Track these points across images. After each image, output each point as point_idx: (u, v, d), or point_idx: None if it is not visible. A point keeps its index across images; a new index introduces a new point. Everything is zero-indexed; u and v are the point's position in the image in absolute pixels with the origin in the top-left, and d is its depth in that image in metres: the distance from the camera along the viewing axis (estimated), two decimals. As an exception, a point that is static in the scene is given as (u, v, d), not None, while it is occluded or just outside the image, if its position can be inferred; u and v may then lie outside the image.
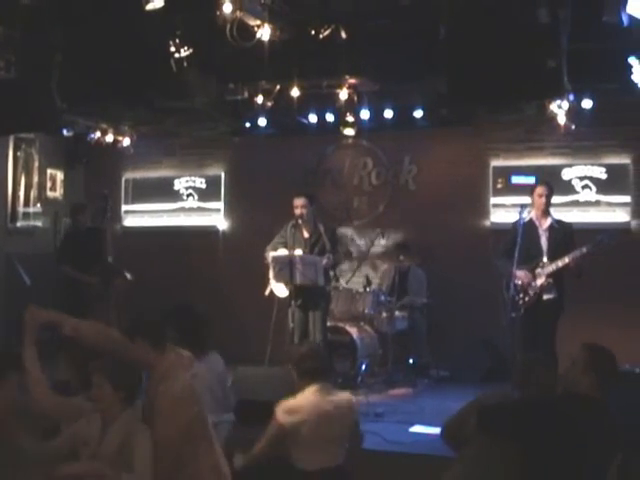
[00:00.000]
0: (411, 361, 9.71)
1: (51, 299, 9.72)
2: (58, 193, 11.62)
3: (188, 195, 11.78)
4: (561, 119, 8.99)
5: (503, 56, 6.56)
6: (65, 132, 10.45)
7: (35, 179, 11.09)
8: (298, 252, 8.21)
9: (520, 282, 7.37)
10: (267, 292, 8.31)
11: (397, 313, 9.58)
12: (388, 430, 6.92)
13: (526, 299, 7.36)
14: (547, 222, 7.53)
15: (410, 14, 7.15)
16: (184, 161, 11.86)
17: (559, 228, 7.54)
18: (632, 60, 7.11)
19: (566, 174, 9.91)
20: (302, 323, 8.30)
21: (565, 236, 7.50)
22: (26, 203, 10.94)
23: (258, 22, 6.84)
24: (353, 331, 9.32)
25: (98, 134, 10.99)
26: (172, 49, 7.56)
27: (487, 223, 10.34)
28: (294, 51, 7.75)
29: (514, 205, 9.23)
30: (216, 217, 11.65)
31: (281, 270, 8.13)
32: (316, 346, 5.73)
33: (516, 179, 10.10)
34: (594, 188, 9.86)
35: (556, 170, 9.84)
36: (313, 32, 7.45)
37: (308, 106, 9.76)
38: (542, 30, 6.50)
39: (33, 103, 7.25)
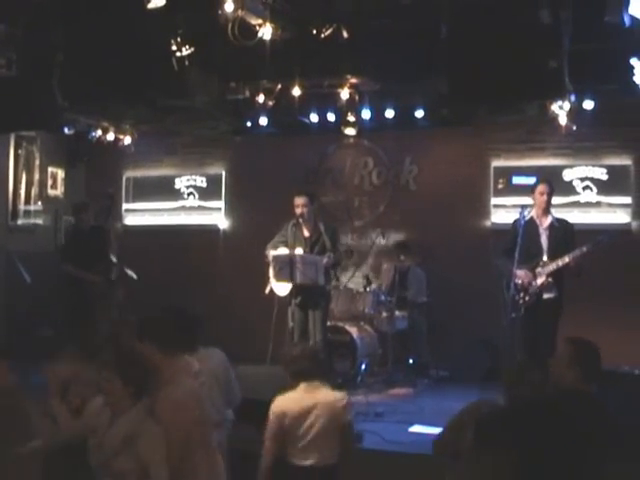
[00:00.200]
0: (411, 361, 9.71)
1: (51, 297, 9.77)
2: (59, 191, 11.62)
3: (189, 194, 11.78)
4: (562, 120, 8.98)
5: (504, 56, 6.57)
6: (66, 130, 10.45)
7: (36, 177, 11.10)
8: (299, 251, 8.21)
9: (520, 281, 7.36)
10: (267, 291, 8.31)
11: (397, 313, 9.58)
12: (388, 430, 6.92)
13: (526, 298, 7.36)
14: (547, 221, 7.51)
15: (411, 14, 7.15)
16: (185, 160, 11.86)
17: (559, 227, 7.53)
18: (634, 61, 7.10)
19: (567, 175, 9.91)
20: (302, 322, 8.29)
21: (566, 235, 7.49)
22: (27, 201, 10.94)
23: (260, 21, 6.84)
24: (353, 331, 9.33)
25: (99, 132, 10.99)
26: (173, 48, 7.57)
27: (488, 223, 10.34)
28: (295, 50, 7.75)
29: (515, 206, 9.24)
30: (217, 216, 11.65)
31: (281, 269, 8.13)
32: (308, 348, 5.71)
33: (517, 179, 10.10)
34: (595, 189, 9.85)
35: (557, 171, 9.84)
36: (314, 31, 7.45)
37: (309, 105, 9.76)
38: (544, 31, 6.51)
39: (34, 101, 7.27)
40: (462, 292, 9.77)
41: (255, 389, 6.63)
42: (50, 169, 11.43)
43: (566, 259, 7.22)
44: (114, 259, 9.07)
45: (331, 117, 10.18)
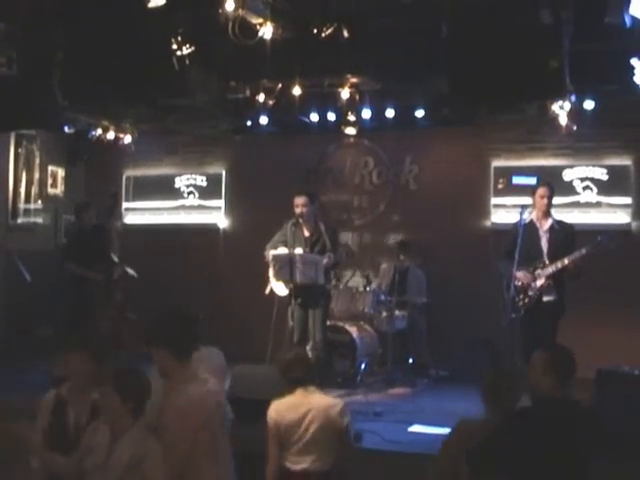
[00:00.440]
0: (410, 361, 9.71)
1: (51, 296, 9.77)
2: (59, 190, 11.62)
3: (189, 193, 11.78)
4: (562, 120, 8.97)
5: (505, 56, 6.57)
6: (66, 129, 10.44)
7: (36, 176, 11.09)
8: (298, 251, 8.20)
9: (520, 283, 7.36)
10: (267, 291, 8.30)
11: (397, 312, 9.58)
12: (387, 429, 6.91)
13: (526, 300, 7.36)
14: (548, 223, 7.52)
15: (412, 13, 7.15)
16: (185, 159, 11.87)
17: (560, 229, 7.53)
18: (634, 61, 7.10)
19: (567, 175, 9.91)
20: (302, 322, 8.29)
21: (566, 237, 7.49)
22: (27, 200, 10.93)
23: (260, 20, 6.84)
24: (353, 330, 9.33)
25: (99, 131, 10.99)
26: (174, 47, 7.57)
27: (488, 223, 10.34)
28: (296, 50, 7.75)
29: (515, 206, 9.24)
30: (217, 215, 11.65)
31: (281, 269, 8.12)
32: (302, 353, 5.72)
33: (517, 179, 10.10)
34: (595, 189, 9.85)
35: (557, 171, 9.84)
36: (315, 31, 7.44)
37: (309, 105, 9.75)
38: (544, 31, 6.51)
39: (35, 100, 7.26)
40: (462, 292, 9.77)
41: (254, 389, 6.63)
42: (50, 168, 11.42)
43: (565, 261, 7.22)
44: (115, 259, 9.06)
45: (331, 116, 10.17)
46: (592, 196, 9.86)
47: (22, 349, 9.16)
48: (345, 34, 7.46)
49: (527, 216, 7.56)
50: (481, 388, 4.40)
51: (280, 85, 8.97)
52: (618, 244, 7.35)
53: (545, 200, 7.52)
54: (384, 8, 7.25)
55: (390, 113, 10.01)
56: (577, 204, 9.76)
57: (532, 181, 9.72)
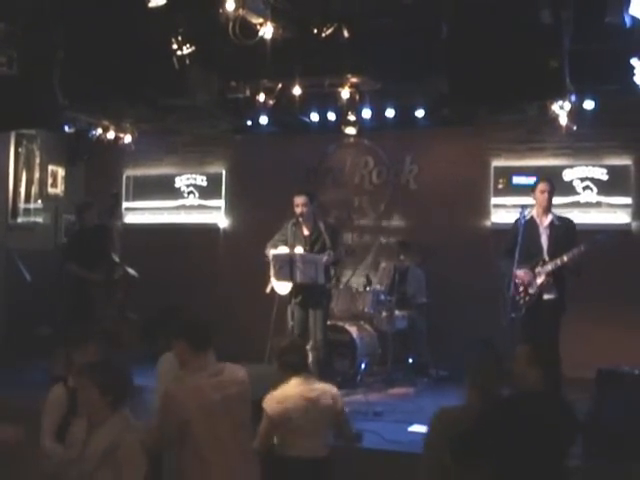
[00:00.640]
0: (410, 360, 9.72)
1: (51, 295, 9.78)
2: (59, 190, 11.62)
3: (189, 193, 11.79)
4: (563, 120, 8.98)
5: (505, 56, 6.56)
6: (67, 129, 10.45)
7: (36, 175, 11.10)
8: (298, 250, 8.21)
9: (520, 281, 7.35)
10: (268, 290, 8.31)
11: (397, 312, 9.59)
12: (387, 429, 6.92)
13: (527, 299, 7.35)
14: (548, 220, 7.49)
15: (412, 13, 7.14)
16: (185, 159, 11.87)
17: (560, 225, 7.50)
18: (634, 61, 7.10)
19: (567, 175, 9.91)
20: (302, 321, 8.29)
21: (567, 232, 7.45)
22: (27, 199, 10.94)
23: (260, 20, 6.84)
24: (353, 330, 9.33)
25: (99, 131, 11.00)
26: (174, 46, 7.56)
27: (488, 223, 10.34)
28: (296, 49, 7.75)
29: (515, 205, 9.25)
30: (217, 215, 11.65)
31: (281, 268, 8.12)
32: (297, 340, 5.85)
33: (517, 179, 10.11)
34: (595, 189, 9.86)
35: (557, 171, 9.84)
36: (315, 31, 7.44)
37: (310, 105, 9.76)
38: (544, 31, 6.50)
39: (35, 99, 7.25)
40: (462, 292, 9.77)
41: (254, 389, 6.63)
42: (50, 167, 11.42)
43: (564, 258, 7.21)
44: (116, 259, 9.07)
45: (331, 116, 10.18)
46: (592, 196, 9.86)
47: (22, 348, 9.17)
48: (345, 34, 7.46)
49: (527, 214, 7.55)
50: (468, 372, 4.43)
51: (280, 85, 8.98)
52: (614, 243, 7.34)
53: (546, 195, 7.50)
54: (384, 8, 7.25)
55: (390, 113, 10.02)
56: (577, 204, 9.76)
57: (532, 181, 9.69)
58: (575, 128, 9.14)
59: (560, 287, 7.35)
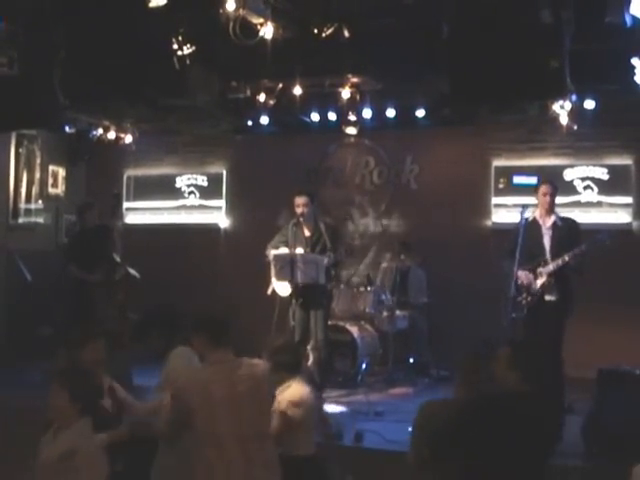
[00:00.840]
0: (411, 360, 9.72)
1: (52, 296, 9.78)
2: (60, 190, 11.62)
3: (190, 193, 11.79)
4: (563, 119, 8.98)
5: (506, 56, 6.55)
6: (67, 129, 10.45)
7: (37, 176, 11.10)
8: (299, 251, 8.21)
9: (521, 282, 7.34)
10: (269, 291, 8.30)
11: (398, 312, 9.59)
12: (388, 429, 6.92)
13: (529, 299, 7.33)
14: (550, 220, 7.48)
15: (413, 13, 7.14)
16: (186, 159, 11.87)
17: (563, 226, 7.48)
18: (635, 61, 7.09)
19: (568, 175, 9.91)
20: (303, 322, 8.29)
21: (570, 233, 7.43)
22: (28, 200, 10.94)
23: (261, 20, 6.84)
24: (354, 330, 9.33)
25: (100, 131, 11.01)
26: (175, 47, 7.57)
27: (488, 223, 10.34)
28: (297, 49, 7.74)
29: (515, 205, 9.25)
30: (217, 215, 11.66)
31: (282, 268, 8.12)
32: (291, 340, 5.88)
33: (518, 179, 10.11)
34: (596, 189, 9.86)
35: (558, 170, 9.84)
36: (316, 31, 7.44)
37: (310, 105, 9.76)
38: (545, 30, 6.50)
39: (36, 100, 7.25)
40: (463, 292, 9.77)
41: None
42: (51, 168, 11.43)
43: (566, 258, 7.20)
44: (118, 259, 9.07)
45: (332, 116, 10.18)
46: (593, 196, 9.86)
47: (23, 349, 9.17)
48: (346, 34, 7.46)
49: (530, 215, 7.54)
50: (458, 368, 4.44)
51: (281, 85, 8.98)
52: (615, 242, 7.33)
53: (548, 198, 7.49)
54: (385, 8, 7.25)
55: (391, 113, 10.02)
56: (578, 204, 9.76)
57: (533, 181, 9.70)
58: (576, 128, 9.15)
59: (563, 289, 7.31)
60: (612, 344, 8.93)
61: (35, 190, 11.08)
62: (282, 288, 8.27)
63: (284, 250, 8.27)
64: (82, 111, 10.08)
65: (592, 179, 9.90)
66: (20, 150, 10.78)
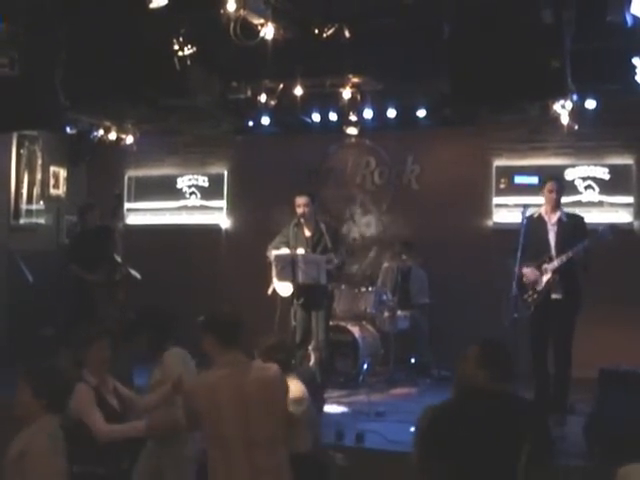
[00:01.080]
0: (413, 360, 9.72)
1: (53, 296, 9.78)
2: (61, 191, 11.63)
3: (191, 193, 11.79)
4: (564, 119, 8.99)
5: (507, 56, 6.55)
6: (68, 130, 10.47)
7: (38, 176, 11.10)
8: (300, 251, 8.21)
9: (527, 279, 7.35)
10: (270, 291, 8.30)
11: (399, 313, 9.59)
12: (389, 429, 6.93)
13: (535, 296, 7.33)
14: (556, 216, 7.49)
15: (413, 14, 7.14)
16: (187, 159, 11.87)
17: (569, 222, 7.48)
18: (636, 60, 7.10)
19: (569, 174, 9.90)
20: (304, 322, 8.29)
21: (576, 229, 7.43)
22: (29, 200, 10.94)
23: (262, 21, 6.84)
24: (355, 330, 9.33)
25: (101, 132, 11.02)
26: (175, 47, 7.57)
27: (489, 223, 10.34)
28: (297, 50, 7.74)
29: (517, 205, 9.25)
30: (219, 215, 11.65)
31: (283, 268, 8.11)
32: (284, 338, 5.88)
33: (519, 179, 10.11)
34: (597, 188, 9.85)
35: (559, 170, 9.81)
36: (317, 31, 7.45)
37: (311, 105, 9.77)
38: (546, 30, 6.50)
39: (37, 100, 7.25)
40: (464, 292, 9.77)
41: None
42: (52, 168, 11.43)
43: (570, 254, 7.20)
44: (119, 259, 9.08)
45: (333, 117, 10.18)
46: (594, 195, 9.86)
47: (24, 349, 9.17)
48: (346, 34, 7.47)
49: (535, 212, 7.55)
50: (456, 372, 4.45)
51: (282, 85, 8.98)
52: (615, 240, 7.33)
53: (554, 195, 7.50)
54: (385, 8, 7.25)
55: (392, 113, 10.03)
56: (579, 203, 9.74)
57: (534, 181, 9.72)
58: (577, 127, 9.16)
59: (569, 286, 7.30)
60: (613, 344, 8.93)
61: (36, 191, 11.08)
62: (283, 288, 8.27)
63: (285, 251, 8.28)
64: (83, 112, 10.08)
65: (593, 179, 9.90)
66: (21, 151, 10.78)
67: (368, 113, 9.85)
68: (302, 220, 8.29)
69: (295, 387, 5.13)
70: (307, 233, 8.36)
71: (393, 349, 9.33)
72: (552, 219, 7.49)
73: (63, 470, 4.13)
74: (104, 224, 9.40)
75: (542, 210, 7.56)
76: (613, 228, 7.43)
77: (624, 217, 9.70)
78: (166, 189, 11.84)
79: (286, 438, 4.35)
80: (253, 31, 6.83)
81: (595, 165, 9.90)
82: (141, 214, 12.00)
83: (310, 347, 8.36)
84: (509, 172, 10.25)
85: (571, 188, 9.81)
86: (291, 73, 8.51)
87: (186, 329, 7.46)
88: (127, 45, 7.68)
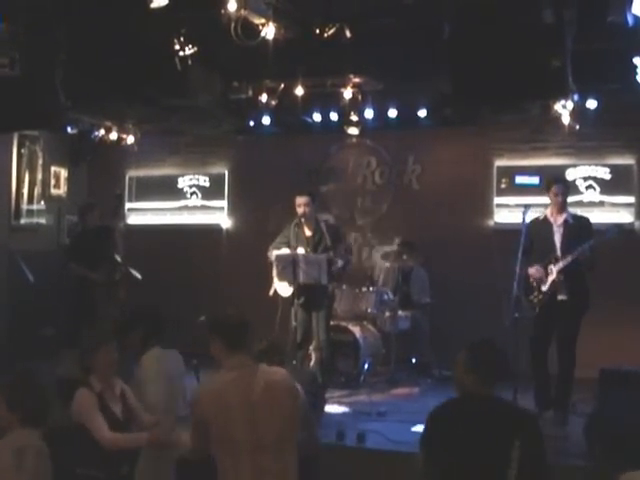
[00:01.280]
0: (414, 360, 9.72)
1: (54, 296, 9.78)
2: (62, 191, 11.63)
3: (192, 193, 11.79)
4: (565, 119, 8.98)
5: (507, 56, 6.55)
6: (69, 130, 10.46)
7: (39, 176, 11.10)
8: (301, 251, 8.21)
9: (532, 278, 7.35)
10: (271, 292, 8.30)
11: (400, 312, 9.59)
12: (390, 429, 6.93)
13: (540, 297, 7.33)
14: (561, 218, 7.49)
15: (414, 13, 7.14)
16: (188, 159, 11.87)
17: (574, 223, 7.48)
18: (637, 60, 7.10)
19: (570, 174, 9.89)
20: (305, 322, 8.30)
21: (582, 231, 7.43)
22: (30, 200, 10.94)
23: (263, 21, 6.84)
24: (356, 330, 9.33)
25: (102, 132, 11.01)
26: (176, 47, 7.57)
27: (491, 223, 10.34)
28: (298, 50, 7.74)
29: (518, 205, 9.24)
30: (220, 215, 11.65)
31: (284, 268, 8.12)
32: (273, 340, 5.87)
33: (520, 179, 10.10)
34: (598, 188, 9.85)
35: (560, 170, 9.81)
36: (317, 31, 7.44)
37: (312, 105, 9.76)
38: (547, 30, 6.50)
39: (37, 100, 7.25)
40: (465, 292, 9.76)
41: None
42: (53, 168, 11.43)
43: (575, 254, 7.20)
44: (119, 259, 9.08)
45: (334, 116, 10.18)
46: (595, 195, 9.85)
47: (25, 349, 9.18)
48: (347, 34, 7.46)
49: (541, 213, 7.55)
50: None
51: (282, 85, 8.97)
52: (617, 240, 7.33)
53: (560, 198, 7.52)
54: (386, 8, 7.24)
55: (393, 113, 10.02)
56: (580, 203, 9.73)
57: (535, 181, 9.73)
58: (578, 127, 9.15)
59: (575, 288, 7.29)
60: (614, 344, 8.93)
61: (37, 191, 11.08)
62: (284, 289, 8.28)
63: (285, 251, 8.28)
64: (84, 112, 10.08)
65: (594, 179, 9.89)
66: (22, 151, 10.78)
67: (369, 113, 9.84)
68: (302, 220, 8.29)
69: None
70: (307, 233, 8.37)
71: (394, 349, 9.33)
72: (558, 221, 7.49)
73: None
74: (104, 224, 9.40)
75: (548, 212, 7.57)
76: (619, 227, 7.43)
77: (625, 217, 9.70)
78: (167, 189, 11.84)
79: (294, 441, 4.29)
80: (254, 31, 6.83)
81: (596, 165, 9.90)
82: (142, 214, 12.00)
83: (311, 347, 8.37)
84: (510, 172, 10.24)
85: (572, 188, 9.76)
86: (292, 73, 8.51)
87: (186, 329, 7.52)
88: (128, 45, 7.67)
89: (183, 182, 11.82)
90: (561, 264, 7.25)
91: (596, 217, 9.61)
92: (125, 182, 11.98)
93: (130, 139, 11.14)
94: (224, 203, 11.64)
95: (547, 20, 6.46)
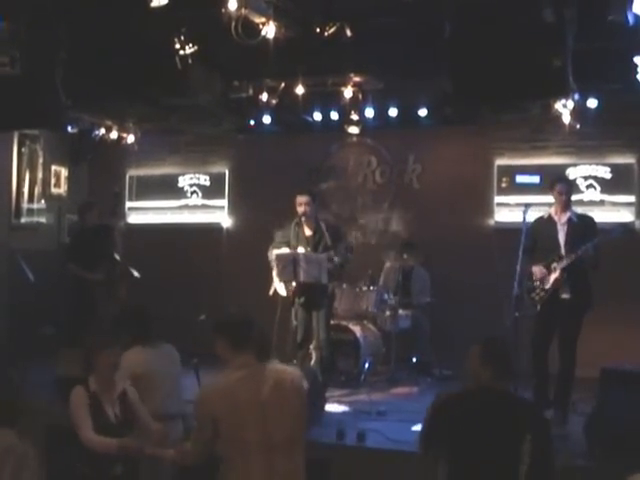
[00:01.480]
0: (414, 360, 9.71)
1: (54, 295, 9.78)
2: (62, 190, 11.63)
3: (192, 192, 11.79)
4: (566, 118, 8.98)
5: (508, 55, 6.55)
6: (70, 129, 10.45)
7: (39, 175, 11.10)
8: (301, 250, 8.21)
9: (535, 277, 7.35)
10: (271, 292, 8.30)
11: (400, 312, 9.58)
12: (391, 428, 6.92)
13: (542, 294, 7.33)
14: (566, 216, 7.49)
15: (415, 12, 7.13)
16: (188, 158, 11.87)
17: (579, 222, 7.48)
18: (637, 60, 7.10)
19: (571, 173, 9.89)
20: (305, 321, 8.30)
21: (586, 229, 7.42)
22: (30, 199, 10.94)
23: (263, 19, 6.84)
24: (356, 329, 9.33)
25: (102, 131, 11.02)
26: (177, 46, 7.57)
27: (491, 222, 10.34)
28: (299, 49, 7.73)
29: (518, 204, 9.23)
30: (220, 214, 11.65)
31: (285, 268, 8.12)
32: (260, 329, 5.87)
33: (520, 178, 10.11)
34: (598, 188, 9.85)
35: (561, 169, 9.81)
36: (318, 30, 7.44)
37: (312, 104, 9.76)
38: (547, 29, 6.49)
39: (38, 99, 7.24)
40: (465, 291, 9.77)
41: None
42: (53, 167, 11.43)
43: (579, 252, 7.20)
44: (118, 258, 9.08)
45: (334, 116, 10.18)
46: (595, 194, 9.86)
47: (25, 348, 9.17)
48: (348, 33, 7.46)
49: (545, 212, 7.55)
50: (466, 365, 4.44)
51: (283, 84, 8.97)
52: (618, 240, 7.33)
53: (564, 197, 7.52)
54: (387, 7, 7.23)
55: (393, 112, 10.02)
56: (581, 202, 9.71)
57: (535, 180, 9.73)
58: (578, 127, 9.15)
59: (578, 286, 7.28)
60: (615, 343, 8.93)
61: (37, 190, 11.08)
62: (284, 288, 8.28)
63: (286, 250, 8.27)
64: (84, 111, 10.08)
65: (595, 178, 9.89)
66: (22, 150, 10.78)
67: (369, 112, 9.84)
68: (303, 219, 8.29)
69: None
70: (308, 232, 8.36)
71: (394, 348, 9.32)
72: (562, 219, 7.49)
73: None
74: (103, 223, 9.40)
75: (552, 210, 7.56)
76: (624, 227, 7.43)
77: (626, 216, 9.70)
78: (167, 188, 11.85)
79: (303, 442, 4.29)
80: (254, 30, 6.83)
81: (597, 164, 9.89)
82: (142, 213, 12.00)
83: (311, 346, 8.37)
84: (511, 171, 10.24)
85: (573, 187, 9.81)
86: (292, 72, 8.50)
87: (187, 328, 7.52)
88: (128, 44, 7.68)
89: (183, 181, 11.82)
90: (565, 262, 7.25)
91: (596, 216, 9.54)
92: (125, 181, 11.98)
93: (130, 138, 11.15)
94: (224, 202, 11.64)
95: (547, 19, 6.45)
